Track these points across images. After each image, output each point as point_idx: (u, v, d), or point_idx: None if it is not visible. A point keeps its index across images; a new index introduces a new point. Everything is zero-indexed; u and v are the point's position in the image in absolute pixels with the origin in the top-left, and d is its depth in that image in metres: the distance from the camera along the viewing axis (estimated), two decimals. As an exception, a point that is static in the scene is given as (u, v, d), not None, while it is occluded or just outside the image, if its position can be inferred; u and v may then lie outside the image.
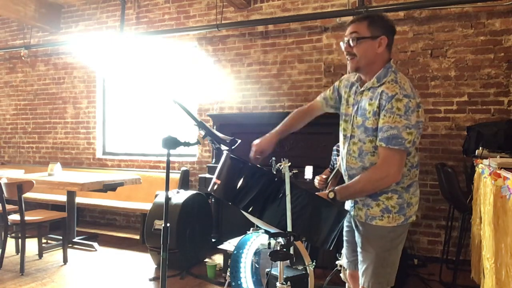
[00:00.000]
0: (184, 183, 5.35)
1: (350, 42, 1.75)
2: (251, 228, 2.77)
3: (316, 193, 1.77)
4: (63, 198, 5.08)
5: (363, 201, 1.79)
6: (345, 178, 1.91)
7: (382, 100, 1.66)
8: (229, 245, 3.63)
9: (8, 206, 4.11)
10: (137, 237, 5.34)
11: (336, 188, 1.74)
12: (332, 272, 3.33)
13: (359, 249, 1.83)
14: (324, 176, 3.32)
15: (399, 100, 1.62)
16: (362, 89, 1.80)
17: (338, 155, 3.36)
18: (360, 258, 1.82)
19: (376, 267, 1.76)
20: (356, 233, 1.84)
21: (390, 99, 1.63)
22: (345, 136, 1.87)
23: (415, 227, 4.42)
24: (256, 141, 2.01)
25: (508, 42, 4.13)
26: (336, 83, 2.02)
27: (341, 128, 1.92)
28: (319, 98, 2.09)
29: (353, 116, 1.81)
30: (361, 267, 1.82)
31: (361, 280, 1.82)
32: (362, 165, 1.78)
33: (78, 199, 5.11)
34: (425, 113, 4.36)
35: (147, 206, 4.72)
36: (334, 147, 3.51)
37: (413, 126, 1.62)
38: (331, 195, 1.70)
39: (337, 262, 2.77)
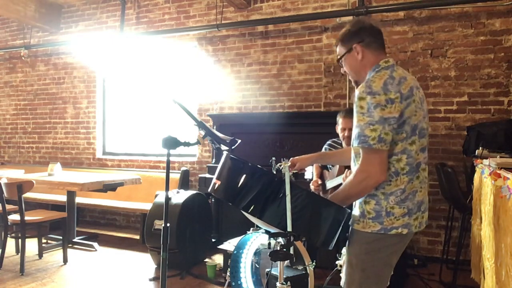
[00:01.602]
0: (184, 183, 5.35)
1: (339, 64, 1.87)
2: (251, 228, 2.77)
3: None
4: (63, 198, 5.08)
5: (355, 204, 1.79)
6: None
7: (354, 101, 1.68)
8: (229, 245, 3.64)
9: (8, 206, 4.11)
10: (137, 237, 5.34)
11: (329, 196, 1.76)
12: (332, 272, 3.33)
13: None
14: (319, 182, 3.31)
15: (362, 99, 1.60)
16: None
17: (331, 150, 3.37)
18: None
19: (347, 267, 1.76)
20: None
21: (356, 99, 1.64)
22: None
23: (415, 227, 4.42)
24: (295, 157, 2.10)
25: (508, 42, 4.13)
26: None
27: None
28: None
29: None
30: (343, 266, 1.86)
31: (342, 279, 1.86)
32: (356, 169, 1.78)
33: (78, 199, 5.11)
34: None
35: (147, 206, 4.72)
36: (325, 146, 3.50)
37: (377, 122, 1.56)
38: None
39: (337, 262, 2.76)
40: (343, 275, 1.86)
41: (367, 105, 1.59)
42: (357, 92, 1.64)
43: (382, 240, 1.67)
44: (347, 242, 1.81)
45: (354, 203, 1.80)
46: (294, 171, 2.05)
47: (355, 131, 1.63)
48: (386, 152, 1.61)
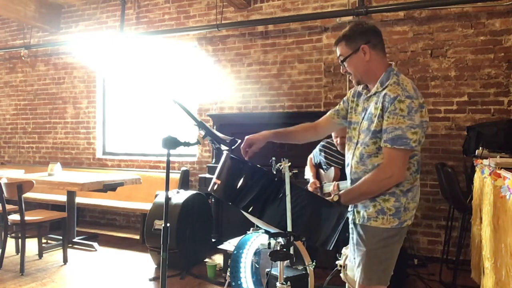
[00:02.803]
0: (184, 183, 5.35)
1: (340, 64, 1.88)
2: (251, 228, 2.77)
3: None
4: (63, 198, 5.08)
5: (363, 203, 1.80)
6: (349, 183, 1.92)
7: (385, 102, 1.69)
8: (229, 245, 3.64)
9: (8, 206, 4.11)
10: (137, 237, 5.34)
11: (341, 192, 1.77)
12: (332, 272, 3.33)
13: (355, 248, 1.86)
14: (318, 184, 3.30)
15: (402, 101, 1.65)
16: (369, 95, 1.85)
17: (325, 152, 3.36)
18: (355, 256, 1.86)
19: (366, 262, 1.79)
20: (354, 233, 1.86)
21: (393, 100, 1.67)
22: (352, 142, 1.92)
23: (415, 227, 4.42)
24: (250, 135, 2.02)
25: (508, 42, 4.13)
26: (346, 96, 2.08)
27: (348, 136, 1.98)
28: (329, 112, 2.13)
29: (361, 122, 1.85)
30: (355, 264, 1.86)
31: (356, 276, 1.86)
32: (364, 169, 1.80)
33: (78, 199, 5.11)
34: (425, 113, 4.36)
35: (147, 206, 4.72)
36: (319, 146, 3.49)
37: (418, 126, 1.65)
38: (336, 198, 1.73)
39: (337, 262, 2.77)
40: (344, 274, 1.86)
41: (407, 108, 1.65)
42: (391, 94, 1.68)
43: (398, 234, 1.78)
44: (356, 239, 1.84)
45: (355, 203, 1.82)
46: (294, 171, 2.04)
47: (394, 132, 1.66)
48: (410, 154, 1.72)
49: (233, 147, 1.97)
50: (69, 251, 4.39)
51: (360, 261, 1.81)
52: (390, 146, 1.67)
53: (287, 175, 1.72)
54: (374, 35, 1.80)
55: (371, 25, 1.84)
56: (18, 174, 5.24)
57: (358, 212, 1.81)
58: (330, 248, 1.74)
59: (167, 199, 1.99)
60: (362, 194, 1.76)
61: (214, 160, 4.99)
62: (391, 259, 1.81)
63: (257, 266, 2.84)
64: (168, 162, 2.01)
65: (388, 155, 1.69)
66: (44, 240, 4.62)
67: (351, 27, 1.83)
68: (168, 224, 1.96)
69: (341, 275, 2.75)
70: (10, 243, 4.29)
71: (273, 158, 2.04)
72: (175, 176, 5.36)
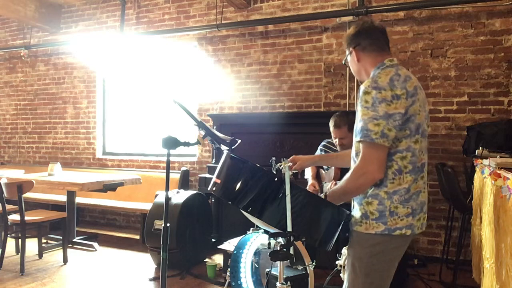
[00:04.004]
0: (184, 183, 5.35)
1: (345, 65, 2.01)
2: (251, 228, 2.76)
3: None
4: (63, 198, 5.08)
5: (355, 207, 1.78)
6: None
7: (359, 96, 1.66)
8: (229, 245, 3.63)
9: (8, 206, 4.11)
10: (137, 237, 5.34)
11: (328, 192, 1.75)
12: (332, 272, 3.33)
13: None
14: (317, 186, 3.30)
15: (367, 93, 1.59)
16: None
17: (326, 152, 3.36)
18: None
19: (349, 272, 1.72)
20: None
21: (361, 93, 1.63)
22: None
23: (415, 227, 4.42)
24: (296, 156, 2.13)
25: (508, 42, 4.13)
26: None
27: None
28: None
29: None
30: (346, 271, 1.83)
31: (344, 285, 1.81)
32: None
33: (78, 199, 5.11)
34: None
35: (147, 206, 4.72)
36: (320, 146, 3.49)
37: (381, 117, 1.55)
38: (322, 197, 1.72)
39: (337, 262, 2.76)
40: (344, 277, 1.84)
41: (372, 100, 1.57)
42: (362, 87, 1.63)
43: (387, 242, 1.64)
44: (348, 245, 1.80)
45: (352, 204, 1.79)
46: (294, 171, 2.05)
47: (358, 125, 1.61)
48: (386, 149, 1.58)
49: (233, 147, 1.97)
50: (69, 251, 4.39)
51: (347, 270, 1.74)
52: (357, 140, 1.62)
53: (287, 175, 1.72)
54: (365, 36, 1.79)
55: (365, 26, 1.82)
56: (18, 174, 5.23)
57: (353, 216, 1.76)
58: (330, 249, 1.74)
59: (167, 199, 1.99)
60: (343, 193, 1.70)
61: (214, 160, 4.98)
62: (380, 272, 1.66)
63: (257, 266, 2.83)
64: (168, 162, 2.01)
65: (361, 152, 1.61)
66: (44, 240, 4.61)
67: (349, 31, 1.89)
68: (168, 224, 1.96)
69: (341, 275, 2.74)
70: (10, 243, 4.29)
71: (273, 158, 2.04)
72: (175, 176, 5.36)
